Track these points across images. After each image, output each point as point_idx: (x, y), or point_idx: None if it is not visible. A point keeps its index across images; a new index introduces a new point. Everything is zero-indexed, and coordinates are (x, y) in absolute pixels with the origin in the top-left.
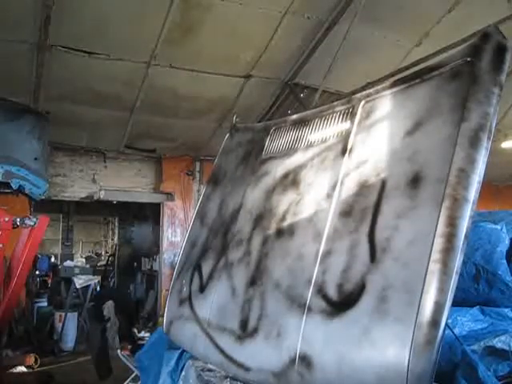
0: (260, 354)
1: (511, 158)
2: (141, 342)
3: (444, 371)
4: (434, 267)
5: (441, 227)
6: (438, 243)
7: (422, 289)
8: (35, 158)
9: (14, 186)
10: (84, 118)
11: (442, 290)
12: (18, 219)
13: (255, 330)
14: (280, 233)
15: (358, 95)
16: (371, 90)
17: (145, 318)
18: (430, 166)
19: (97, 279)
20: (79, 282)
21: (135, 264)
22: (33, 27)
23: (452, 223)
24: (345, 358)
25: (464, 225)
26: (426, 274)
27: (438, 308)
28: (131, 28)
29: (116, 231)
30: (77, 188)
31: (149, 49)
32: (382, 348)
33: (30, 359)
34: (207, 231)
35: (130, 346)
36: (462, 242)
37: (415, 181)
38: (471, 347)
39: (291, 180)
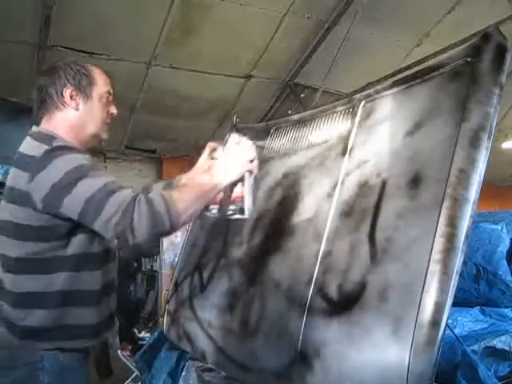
0: (260, 355)
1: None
2: (141, 343)
3: (444, 371)
4: (435, 267)
5: (441, 227)
6: (439, 243)
7: (423, 289)
8: None
9: None
10: None
11: (442, 290)
12: None
13: (255, 330)
14: (280, 233)
15: (358, 95)
16: (371, 91)
17: (145, 318)
18: (431, 166)
19: None
20: None
21: (135, 264)
22: (33, 27)
23: (452, 223)
24: (345, 358)
25: (464, 225)
26: (426, 274)
27: (439, 308)
28: (132, 28)
29: None
30: None
31: (149, 49)
32: (382, 348)
33: None
34: (208, 231)
35: (130, 347)
36: (462, 243)
37: (415, 181)
38: (471, 347)
39: (291, 180)
